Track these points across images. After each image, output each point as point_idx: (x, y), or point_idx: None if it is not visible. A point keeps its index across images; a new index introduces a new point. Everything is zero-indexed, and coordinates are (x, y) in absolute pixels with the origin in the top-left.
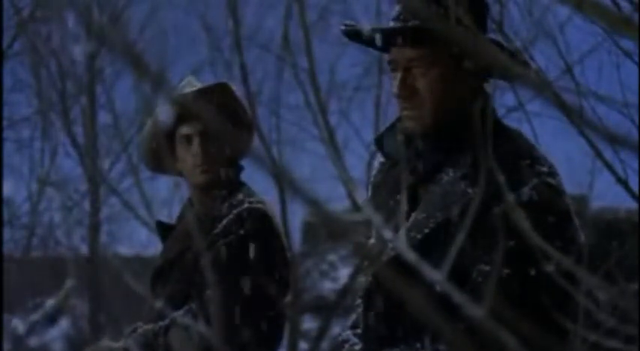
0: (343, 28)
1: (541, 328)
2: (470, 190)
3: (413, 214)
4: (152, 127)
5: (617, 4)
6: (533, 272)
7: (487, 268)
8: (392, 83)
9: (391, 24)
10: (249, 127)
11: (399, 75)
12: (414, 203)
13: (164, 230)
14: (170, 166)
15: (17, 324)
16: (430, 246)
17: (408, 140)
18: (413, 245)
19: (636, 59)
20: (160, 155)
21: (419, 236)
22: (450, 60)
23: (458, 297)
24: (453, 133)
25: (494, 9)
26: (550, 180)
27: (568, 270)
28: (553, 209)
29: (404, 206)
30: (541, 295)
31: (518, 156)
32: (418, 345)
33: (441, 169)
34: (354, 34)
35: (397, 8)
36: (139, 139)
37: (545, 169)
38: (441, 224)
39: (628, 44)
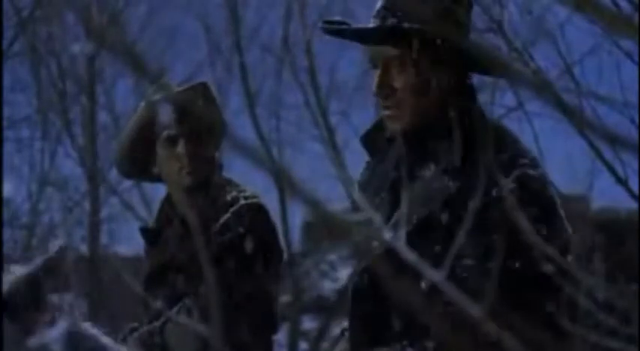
0: (322, 25)
1: (527, 324)
2: (452, 185)
3: (396, 212)
4: (138, 131)
5: (617, 4)
6: (517, 265)
7: (470, 262)
8: (372, 81)
9: (372, 21)
10: (223, 124)
11: (377, 73)
12: (397, 201)
13: (151, 235)
14: (150, 170)
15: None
16: (412, 242)
17: (391, 138)
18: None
19: (636, 59)
20: (144, 159)
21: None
22: (428, 58)
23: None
24: (434, 129)
25: (495, 9)
26: (531, 171)
27: (553, 261)
28: (535, 200)
29: (386, 205)
30: (526, 288)
31: (499, 150)
32: (405, 342)
33: (424, 166)
34: (334, 33)
35: (379, 5)
36: (120, 142)
37: (526, 160)
38: (423, 220)
39: (628, 44)
